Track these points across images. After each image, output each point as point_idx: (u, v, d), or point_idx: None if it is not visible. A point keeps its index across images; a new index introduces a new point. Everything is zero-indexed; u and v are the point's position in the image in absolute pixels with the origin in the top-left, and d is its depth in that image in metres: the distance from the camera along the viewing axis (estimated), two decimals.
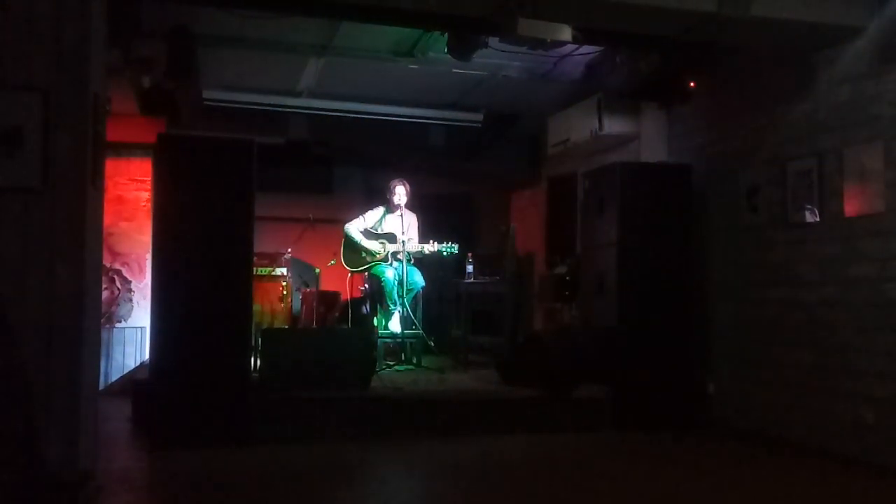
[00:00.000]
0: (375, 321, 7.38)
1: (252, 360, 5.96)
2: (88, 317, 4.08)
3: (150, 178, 7.93)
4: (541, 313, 8.77)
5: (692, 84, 6.32)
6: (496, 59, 6.49)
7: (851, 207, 5.13)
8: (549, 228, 9.02)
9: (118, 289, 7.84)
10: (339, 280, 8.31)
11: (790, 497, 4.43)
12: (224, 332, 5.35)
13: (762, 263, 5.89)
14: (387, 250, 7.29)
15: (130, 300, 7.92)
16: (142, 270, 7.81)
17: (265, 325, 7.07)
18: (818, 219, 5.40)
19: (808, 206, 5.46)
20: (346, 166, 9.83)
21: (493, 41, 5.76)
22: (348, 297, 7.95)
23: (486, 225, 10.21)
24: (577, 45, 6.00)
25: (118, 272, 7.90)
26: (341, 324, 7.92)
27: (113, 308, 7.85)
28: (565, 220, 8.46)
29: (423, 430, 5.71)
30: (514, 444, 5.62)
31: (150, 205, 7.72)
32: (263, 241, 8.91)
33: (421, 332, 7.23)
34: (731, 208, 6.21)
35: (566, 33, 4.74)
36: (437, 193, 9.66)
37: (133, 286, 7.81)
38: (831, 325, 5.26)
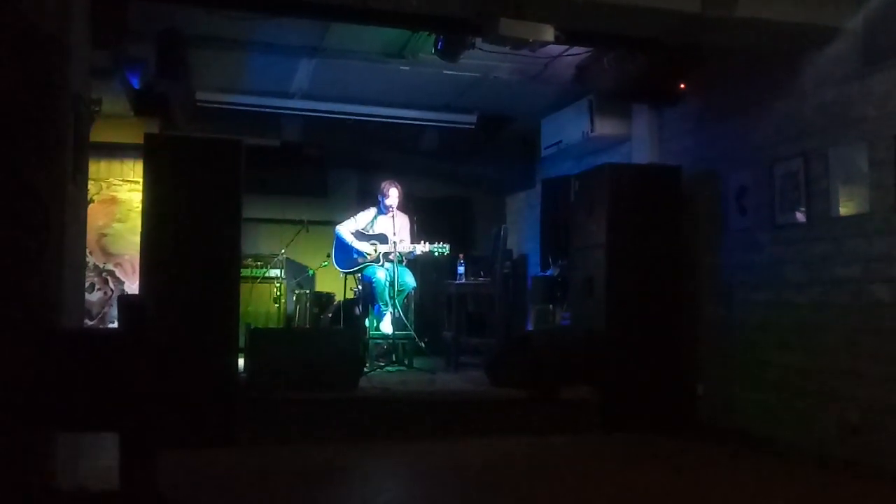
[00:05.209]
0: (367, 322, 7.39)
1: (240, 360, 5.97)
2: (68, 317, 4.07)
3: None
4: (534, 315, 8.76)
5: (682, 86, 6.32)
6: (486, 60, 6.48)
7: (837, 208, 5.12)
8: (544, 230, 9.00)
9: (111, 290, 7.86)
10: (335, 281, 8.34)
11: (775, 498, 4.42)
12: (211, 331, 5.37)
13: (750, 265, 5.88)
14: (378, 251, 7.30)
15: None
16: (135, 271, 7.78)
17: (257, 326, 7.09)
18: (805, 220, 5.39)
19: (796, 207, 5.45)
20: (340, 168, 9.84)
21: (481, 42, 5.76)
22: (343, 298, 7.97)
23: (482, 227, 10.22)
24: (566, 47, 6.03)
25: (111, 273, 7.91)
26: (334, 325, 7.94)
27: (106, 309, 7.87)
28: (560, 222, 8.45)
29: (411, 431, 5.71)
30: (502, 446, 5.60)
31: None
32: (258, 243, 8.98)
33: (412, 333, 7.24)
34: (719, 210, 6.20)
35: (548, 34, 4.73)
36: (433, 196, 9.68)
37: (126, 287, 7.82)
38: (818, 326, 5.25)
